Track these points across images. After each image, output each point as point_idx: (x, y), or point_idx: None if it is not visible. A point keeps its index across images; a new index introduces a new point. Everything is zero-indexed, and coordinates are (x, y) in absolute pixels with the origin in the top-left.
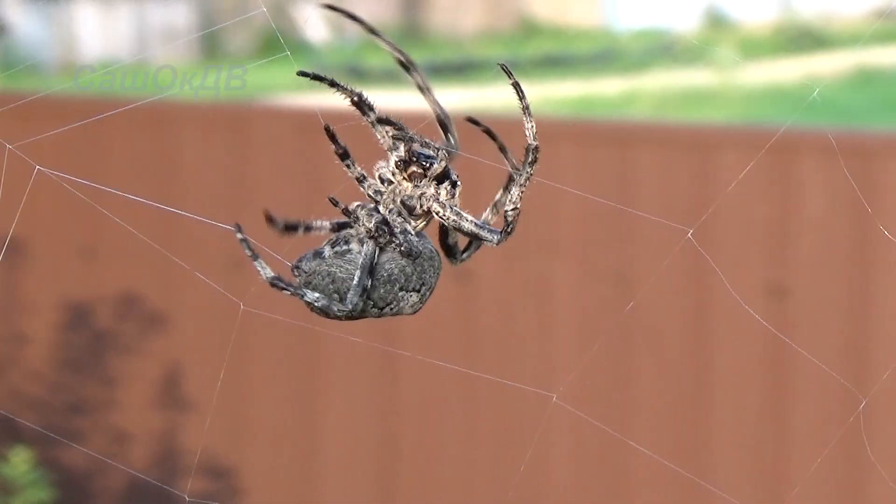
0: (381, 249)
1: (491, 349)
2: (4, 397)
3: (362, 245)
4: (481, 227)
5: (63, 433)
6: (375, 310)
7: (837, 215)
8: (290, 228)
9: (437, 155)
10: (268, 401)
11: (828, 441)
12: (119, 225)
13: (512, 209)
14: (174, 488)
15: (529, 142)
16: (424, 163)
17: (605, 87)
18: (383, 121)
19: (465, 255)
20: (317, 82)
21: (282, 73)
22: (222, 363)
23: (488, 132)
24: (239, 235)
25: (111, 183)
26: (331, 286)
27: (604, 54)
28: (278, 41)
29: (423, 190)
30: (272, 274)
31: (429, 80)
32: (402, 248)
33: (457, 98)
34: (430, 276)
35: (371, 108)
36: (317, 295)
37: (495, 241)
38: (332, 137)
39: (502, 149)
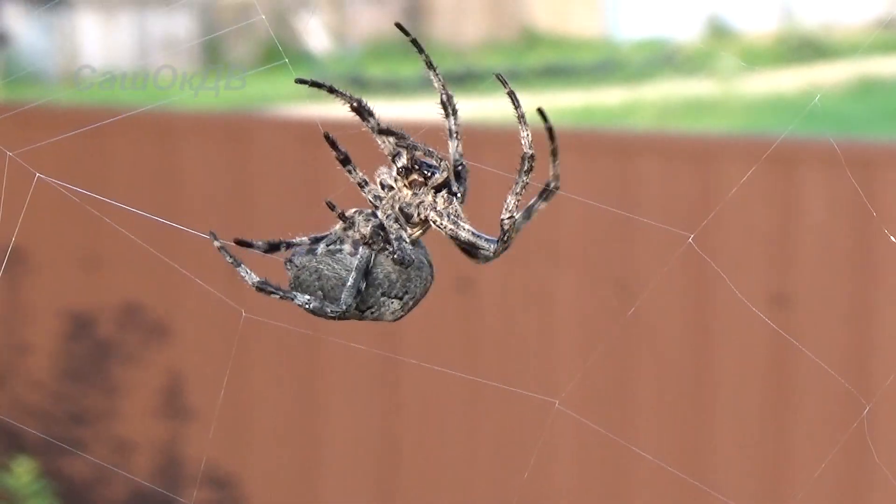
0: (376, 254)
1: (492, 355)
2: (7, 407)
3: (355, 247)
4: (478, 237)
5: (66, 443)
6: (357, 312)
7: (838, 224)
8: (273, 248)
9: (440, 165)
10: (270, 409)
11: (830, 446)
12: (120, 234)
13: (508, 217)
14: (177, 497)
15: (525, 150)
16: (426, 171)
17: (607, 97)
18: (384, 130)
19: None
20: (315, 91)
21: (282, 83)
22: (224, 372)
23: (549, 131)
24: (216, 243)
25: (112, 192)
26: (316, 283)
27: (605, 64)
28: (279, 51)
29: (422, 198)
30: (258, 279)
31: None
32: (395, 256)
33: (458, 108)
34: (415, 286)
35: (371, 115)
36: (307, 297)
37: (491, 250)
38: (333, 144)
39: (554, 152)
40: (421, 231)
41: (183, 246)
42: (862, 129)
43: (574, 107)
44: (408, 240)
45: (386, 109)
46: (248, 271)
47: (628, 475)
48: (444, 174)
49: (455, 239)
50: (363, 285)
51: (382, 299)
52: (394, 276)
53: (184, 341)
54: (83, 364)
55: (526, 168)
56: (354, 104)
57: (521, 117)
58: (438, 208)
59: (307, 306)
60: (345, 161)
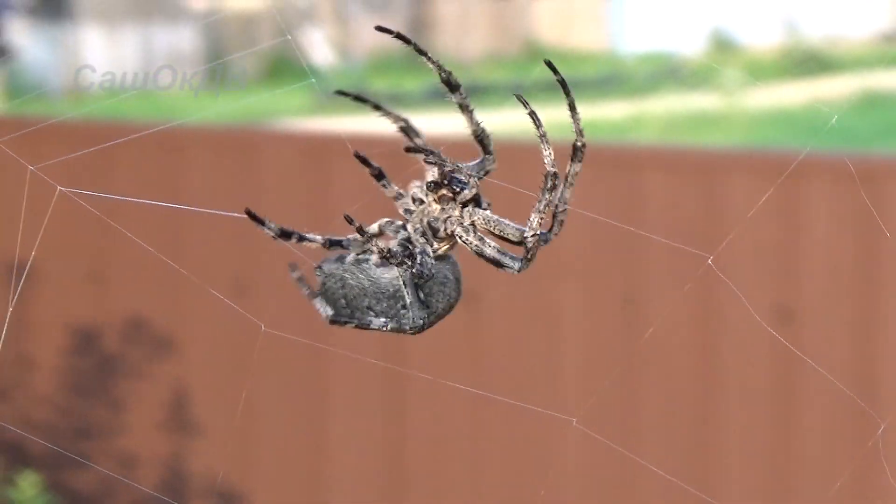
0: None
1: (499, 373)
2: (13, 421)
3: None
4: (503, 255)
5: (71, 457)
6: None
7: (843, 238)
8: (285, 235)
9: (469, 182)
10: (276, 422)
11: (839, 462)
12: (127, 248)
13: (531, 235)
14: None
15: (547, 168)
16: (455, 187)
17: (611, 111)
18: (427, 152)
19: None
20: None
21: (289, 98)
22: (230, 386)
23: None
24: (294, 274)
25: (120, 209)
26: (340, 290)
27: (610, 78)
28: (284, 65)
29: (449, 213)
30: (332, 313)
31: (468, 100)
32: (413, 271)
33: (462, 122)
34: (437, 301)
35: (417, 135)
36: (382, 320)
37: (516, 268)
38: (365, 161)
39: (542, 136)
40: (448, 246)
41: (190, 260)
42: (866, 143)
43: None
44: (431, 254)
45: (390, 125)
46: (324, 304)
47: (637, 491)
48: (473, 191)
49: (480, 255)
50: (421, 294)
51: (402, 312)
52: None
53: (189, 355)
54: (89, 378)
55: (549, 186)
56: (401, 124)
57: (542, 136)
58: (465, 224)
59: (384, 329)
60: (379, 176)
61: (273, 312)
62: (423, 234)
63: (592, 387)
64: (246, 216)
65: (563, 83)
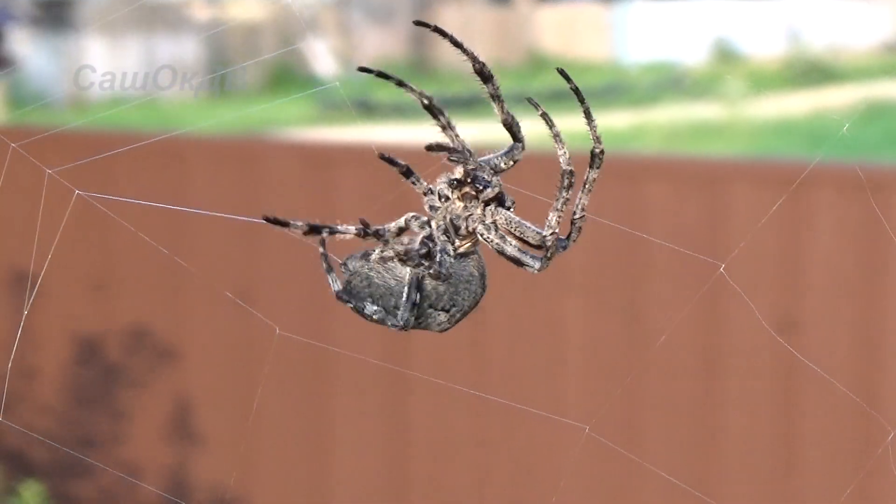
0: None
1: (504, 382)
2: (16, 431)
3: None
4: (523, 254)
5: (74, 467)
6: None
7: (848, 249)
8: (314, 230)
9: (492, 181)
10: (278, 431)
11: (845, 472)
12: (130, 258)
13: (550, 234)
14: None
15: (563, 167)
16: (478, 185)
17: (614, 121)
18: (450, 149)
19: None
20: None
21: (291, 108)
22: (233, 396)
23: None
24: (321, 249)
25: (122, 215)
26: (366, 290)
27: (612, 88)
28: (287, 75)
29: (472, 211)
30: (340, 288)
31: (500, 90)
32: (431, 271)
33: (465, 132)
34: (462, 299)
35: (441, 113)
36: (375, 308)
37: (536, 267)
38: (391, 161)
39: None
40: (470, 243)
41: (194, 268)
42: (870, 153)
43: (581, 130)
44: (452, 252)
45: (393, 134)
46: (336, 280)
47: (645, 498)
48: (496, 190)
49: (501, 254)
50: (417, 297)
51: (429, 311)
52: (441, 289)
53: (193, 365)
54: (92, 388)
55: (566, 184)
56: (425, 101)
57: (556, 136)
58: (487, 222)
59: (375, 317)
60: (407, 173)
61: (279, 318)
62: (446, 232)
63: (599, 395)
64: (266, 222)
65: (576, 91)
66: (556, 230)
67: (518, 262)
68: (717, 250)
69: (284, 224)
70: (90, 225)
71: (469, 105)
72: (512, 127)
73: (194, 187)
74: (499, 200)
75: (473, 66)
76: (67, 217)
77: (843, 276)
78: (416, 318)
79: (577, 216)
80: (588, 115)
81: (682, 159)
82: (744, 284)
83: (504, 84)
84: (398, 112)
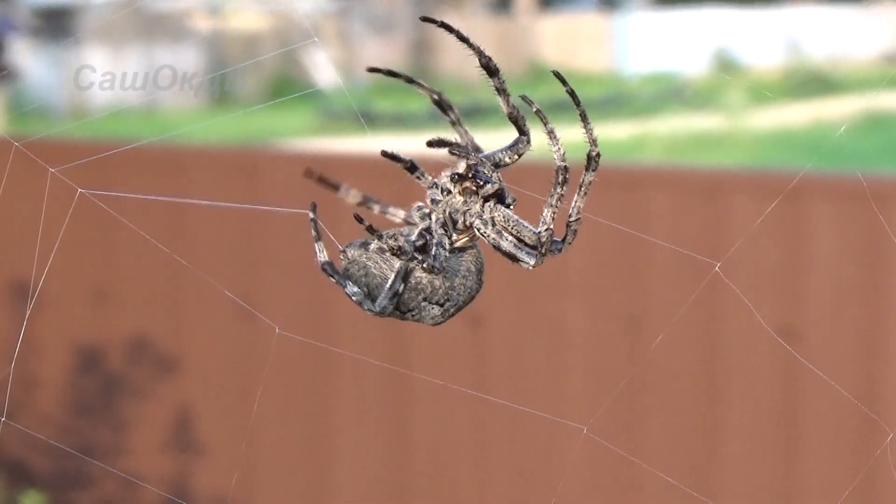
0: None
1: (505, 385)
2: (16, 441)
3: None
4: (519, 250)
5: (75, 477)
6: (398, 313)
7: (848, 258)
8: (367, 200)
9: (492, 177)
10: (279, 442)
11: (844, 475)
12: (131, 266)
13: (545, 230)
14: None
15: (558, 163)
16: (479, 181)
17: (615, 132)
18: (452, 145)
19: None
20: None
21: (291, 118)
22: (234, 405)
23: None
24: (311, 215)
25: (122, 225)
26: (363, 279)
27: (613, 98)
28: (287, 85)
29: (471, 206)
30: (326, 259)
31: (506, 84)
32: (425, 265)
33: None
34: (458, 294)
35: (451, 109)
36: (356, 290)
37: (531, 263)
38: (395, 157)
39: (551, 133)
40: (467, 238)
41: (193, 280)
42: (870, 163)
43: (582, 141)
44: (447, 246)
45: (393, 143)
46: (323, 250)
47: (639, 499)
48: (496, 186)
49: (497, 249)
50: (401, 288)
51: (423, 304)
52: (437, 283)
53: (193, 375)
54: (93, 398)
55: (560, 180)
56: (435, 97)
57: (550, 132)
58: (484, 217)
59: (353, 298)
60: (412, 168)
61: (280, 321)
62: (444, 225)
63: (598, 397)
64: (310, 177)
65: (572, 94)
66: (551, 226)
67: (513, 258)
68: (717, 260)
69: (334, 187)
70: (92, 232)
71: (469, 114)
72: (517, 120)
73: (195, 197)
74: (499, 197)
75: (480, 60)
76: (69, 221)
77: (843, 286)
78: (409, 311)
79: (572, 219)
80: (584, 118)
81: (682, 170)
82: (744, 293)
83: None
84: (398, 122)
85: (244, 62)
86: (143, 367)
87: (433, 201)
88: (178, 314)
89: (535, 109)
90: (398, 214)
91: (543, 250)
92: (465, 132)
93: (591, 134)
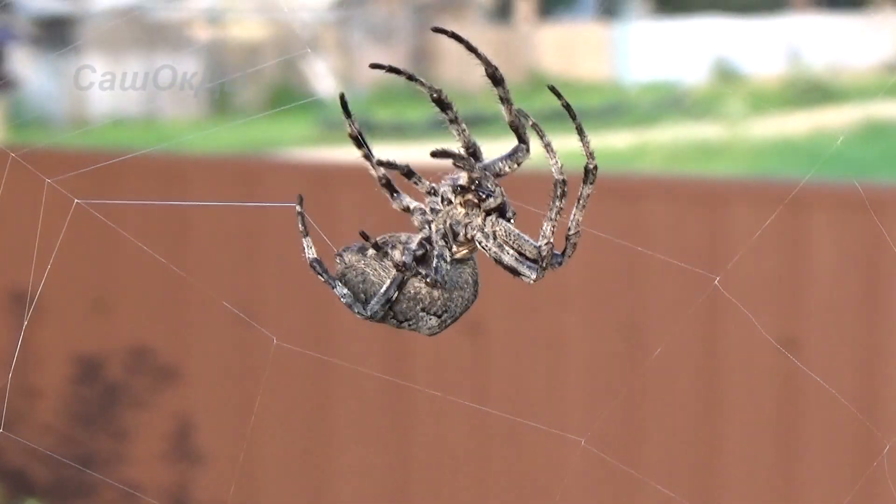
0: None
1: (503, 396)
2: (16, 451)
3: (404, 255)
4: (520, 264)
5: (75, 487)
6: (394, 321)
7: (848, 267)
8: (393, 177)
9: (495, 191)
10: (279, 451)
11: (843, 486)
12: (129, 275)
13: (545, 244)
14: None
15: (556, 176)
16: (481, 193)
17: (615, 141)
18: (456, 156)
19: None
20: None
21: (291, 127)
22: (234, 415)
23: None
24: (298, 208)
25: (121, 235)
26: (360, 285)
27: (613, 108)
28: (287, 94)
29: (472, 219)
30: (314, 256)
31: (510, 94)
32: (428, 280)
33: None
34: (455, 306)
35: (450, 107)
36: (345, 291)
37: (532, 277)
38: (391, 164)
39: (548, 146)
40: (466, 250)
41: (193, 290)
42: (870, 173)
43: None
44: (448, 259)
45: (393, 153)
46: (311, 246)
47: None
48: (498, 200)
49: (498, 262)
50: (395, 295)
51: (421, 314)
52: (435, 294)
53: (193, 384)
54: (92, 407)
55: (558, 193)
56: (434, 95)
57: (547, 146)
58: (486, 231)
59: (343, 300)
60: (409, 174)
61: (279, 332)
62: (444, 236)
63: (596, 410)
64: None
65: (568, 107)
66: (551, 240)
67: (514, 272)
68: (717, 270)
69: (367, 156)
70: (91, 241)
71: (469, 124)
72: (518, 129)
73: (195, 207)
74: (500, 211)
75: (486, 69)
76: (67, 231)
77: (842, 295)
78: (406, 320)
79: (571, 232)
80: (580, 132)
81: (682, 179)
82: (744, 303)
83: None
84: (398, 131)
85: (244, 71)
86: (143, 377)
87: (433, 210)
88: (177, 323)
89: (531, 123)
90: (408, 202)
91: (544, 264)
92: (464, 130)
93: (587, 147)
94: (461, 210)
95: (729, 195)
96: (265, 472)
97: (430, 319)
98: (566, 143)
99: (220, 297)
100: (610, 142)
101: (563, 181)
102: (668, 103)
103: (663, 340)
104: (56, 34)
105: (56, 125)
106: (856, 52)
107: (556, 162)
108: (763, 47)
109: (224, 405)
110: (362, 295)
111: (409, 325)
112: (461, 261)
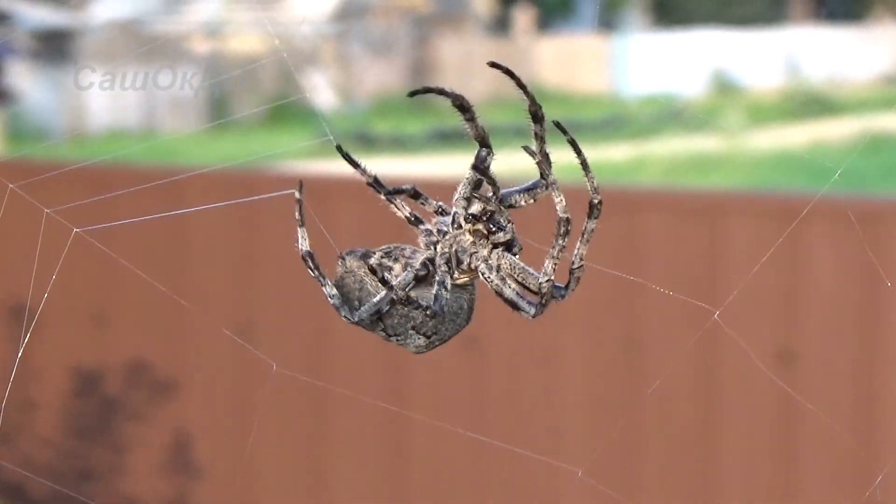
0: (415, 286)
1: (501, 422)
2: (15, 464)
3: (404, 271)
4: (521, 298)
5: (73, 500)
6: (383, 333)
7: (846, 281)
8: (400, 192)
9: (507, 226)
10: (277, 466)
11: None
12: (129, 291)
13: (546, 281)
14: None
15: (560, 215)
16: (492, 226)
17: (614, 154)
18: (484, 136)
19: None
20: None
21: (290, 140)
22: (232, 429)
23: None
24: (297, 195)
25: (119, 248)
26: (356, 292)
27: (612, 120)
28: (286, 109)
29: (478, 249)
30: (308, 249)
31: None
32: (428, 312)
33: (465, 165)
34: (445, 329)
35: (474, 118)
36: (334, 292)
37: (532, 313)
38: (398, 191)
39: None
40: (468, 278)
41: (191, 302)
42: (869, 185)
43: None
44: (449, 287)
45: (391, 165)
46: (306, 237)
47: None
48: (508, 236)
49: (499, 295)
50: (385, 309)
51: (411, 333)
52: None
53: (191, 399)
54: (91, 421)
55: (562, 231)
56: (458, 101)
57: (553, 184)
58: (490, 263)
59: (330, 300)
60: (415, 195)
61: (277, 355)
62: (448, 262)
63: (595, 437)
64: (340, 153)
65: (573, 142)
66: (552, 277)
67: (514, 306)
68: (716, 283)
69: (354, 164)
70: (90, 256)
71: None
72: (543, 165)
73: (193, 221)
74: (507, 245)
75: (530, 107)
76: (66, 254)
77: (841, 309)
78: (396, 335)
79: (575, 266)
80: (585, 167)
81: (681, 192)
82: (742, 319)
83: (504, 117)
84: (396, 144)
85: (243, 85)
86: (141, 391)
87: (440, 231)
88: (176, 337)
89: (536, 161)
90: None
91: (544, 301)
92: (477, 127)
93: (592, 182)
94: (469, 238)
95: (728, 208)
96: (262, 486)
97: (419, 339)
98: (566, 156)
99: (219, 317)
100: (609, 154)
101: (568, 220)
102: (667, 116)
103: (661, 358)
104: (55, 48)
105: (54, 138)
106: (855, 64)
107: (561, 200)
108: (762, 60)
109: (222, 420)
110: (356, 302)
111: (398, 341)
112: (461, 286)
